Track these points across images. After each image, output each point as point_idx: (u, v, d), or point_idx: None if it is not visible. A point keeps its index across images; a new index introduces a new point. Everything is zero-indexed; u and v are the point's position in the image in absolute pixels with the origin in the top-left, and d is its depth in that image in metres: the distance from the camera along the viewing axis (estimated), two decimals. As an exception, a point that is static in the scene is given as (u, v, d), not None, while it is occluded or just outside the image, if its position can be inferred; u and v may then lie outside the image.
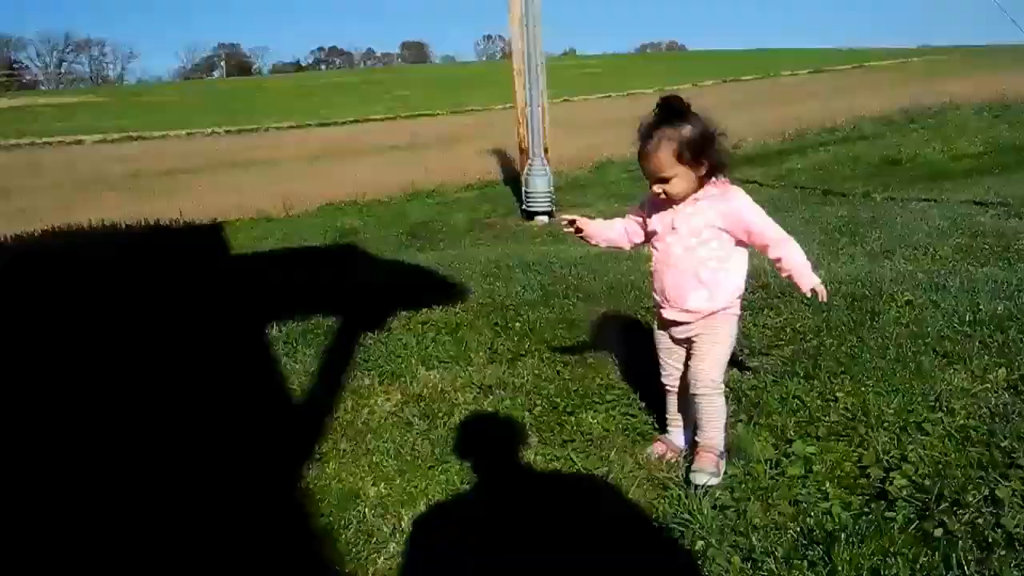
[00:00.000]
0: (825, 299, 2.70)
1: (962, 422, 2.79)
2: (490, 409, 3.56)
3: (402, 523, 2.72)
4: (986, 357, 3.32)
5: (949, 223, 6.68)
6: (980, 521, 2.26)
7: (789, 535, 2.32)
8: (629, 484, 2.77)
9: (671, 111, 2.59)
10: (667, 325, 2.85)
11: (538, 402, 3.55)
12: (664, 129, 2.57)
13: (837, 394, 3.13)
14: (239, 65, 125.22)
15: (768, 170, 13.57)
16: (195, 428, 3.55)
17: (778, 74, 56.57)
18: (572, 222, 2.96)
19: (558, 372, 3.87)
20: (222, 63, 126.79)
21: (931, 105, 20.02)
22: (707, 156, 2.59)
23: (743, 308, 2.89)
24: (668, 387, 2.97)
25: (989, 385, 3.08)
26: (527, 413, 3.45)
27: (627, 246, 2.99)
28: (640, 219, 2.86)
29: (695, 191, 2.64)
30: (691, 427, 2.87)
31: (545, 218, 10.80)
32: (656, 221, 2.75)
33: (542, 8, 10.26)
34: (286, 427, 3.56)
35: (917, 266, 5.17)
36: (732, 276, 2.72)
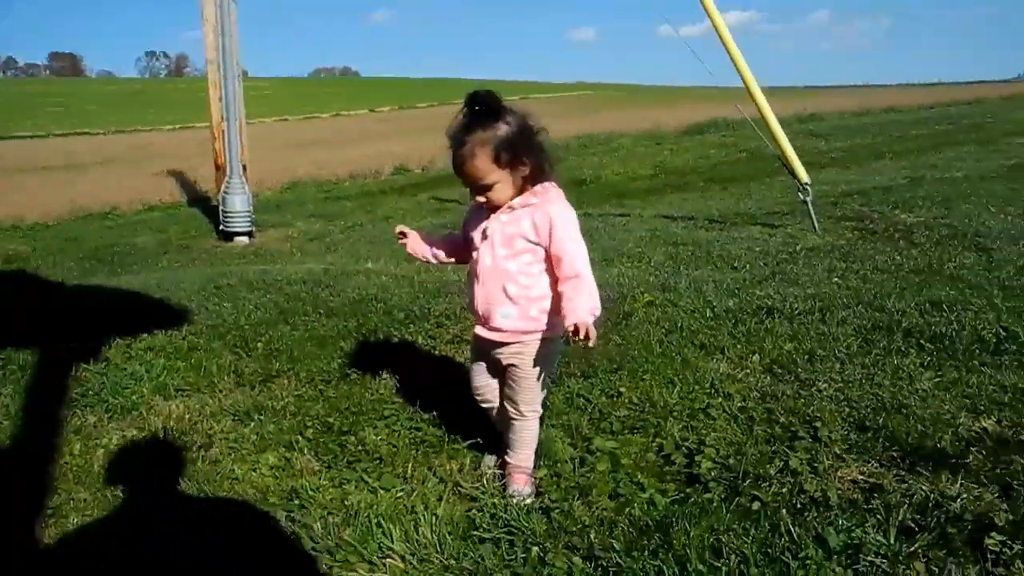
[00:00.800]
0: (593, 343, 2.27)
1: (740, 404, 2.98)
2: (256, 435, 3.19)
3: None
4: (738, 346, 3.59)
5: (650, 234, 7.28)
6: (784, 491, 2.40)
7: (621, 528, 2.30)
8: (436, 500, 2.60)
9: (482, 110, 2.31)
10: (481, 344, 2.60)
11: (308, 424, 3.25)
12: (477, 131, 2.30)
13: (620, 389, 3.20)
14: None
15: (464, 190, 13.94)
16: None
17: (452, 102, 58.64)
18: (403, 233, 2.70)
19: (320, 391, 3.59)
20: None
21: (600, 133, 21.96)
22: (528, 155, 2.35)
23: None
24: (483, 406, 2.79)
25: (749, 370, 3.33)
26: (299, 437, 3.14)
27: (453, 260, 2.73)
28: (463, 231, 2.64)
29: (518, 195, 2.41)
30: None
31: (245, 238, 10.17)
32: (472, 228, 2.54)
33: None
34: None
35: (641, 271, 5.54)
36: (544, 295, 2.46)
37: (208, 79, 9.98)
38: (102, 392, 3.71)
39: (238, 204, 10.04)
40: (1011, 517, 2.15)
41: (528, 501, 2.54)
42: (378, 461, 2.90)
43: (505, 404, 2.63)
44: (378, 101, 61.04)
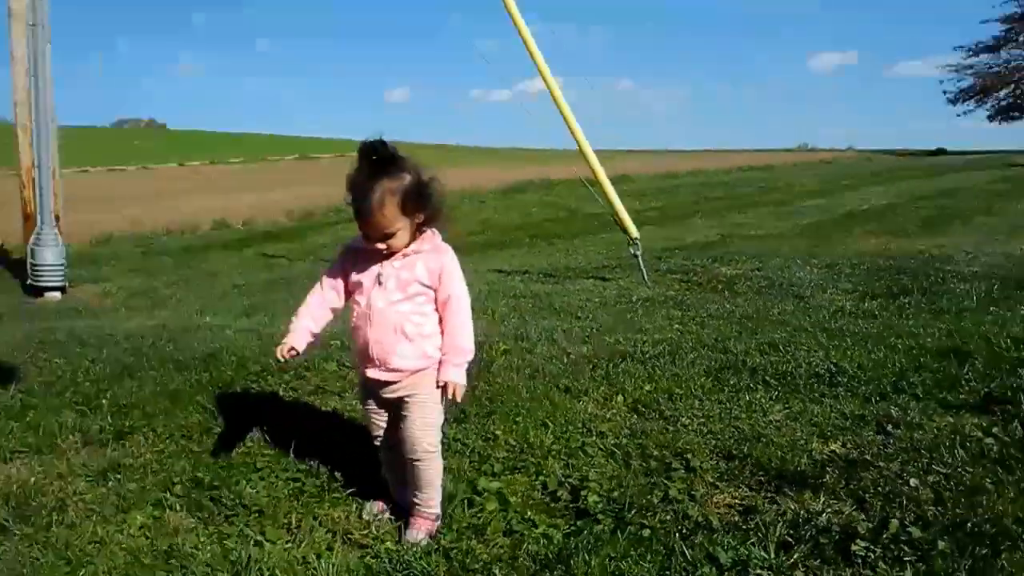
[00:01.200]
0: (458, 399, 2.54)
1: (614, 441, 3.13)
2: (116, 496, 3.00)
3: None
4: (601, 388, 3.76)
5: (488, 287, 7.43)
6: (669, 518, 2.55)
7: (522, 562, 2.35)
8: (327, 549, 2.55)
9: (381, 159, 2.36)
10: (372, 386, 2.63)
11: (175, 480, 3.09)
12: (383, 181, 2.35)
13: (496, 432, 3.27)
14: None
15: (293, 246, 13.72)
16: None
17: (266, 157, 57.59)
18: (292, 351, 2.63)
19: (183, 446, 3.43)
20: None
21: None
22: (426, 204, 2.44)
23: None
24: (384, 448, 2.77)
25: (615, 410, 3.50)
26: (166, 493, 2.99)
27: (333, 317, 2.71)
28: (338, 280, 2.64)
29: (412, 241, 2.48)
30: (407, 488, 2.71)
31: (58, 294, 9.46)
32: (361, 274, 2.56)
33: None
34: None
35: (489, 322, 5.66)
36: (436, 331, 2.56)
37: (16, 123, 9.31)
38: (-80, 459, 3.36)
39: (50, 257, 9.34)
40: (870, 525, 2.41)
41: (423, 546, 2.54)
42: (258, 514, 2.81)
43: (403, 448, 2.63)
44: (187, 155, 58.76)
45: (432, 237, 2.54)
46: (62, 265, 9.50)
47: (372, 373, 2.58)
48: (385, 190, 2.36)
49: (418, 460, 2.60)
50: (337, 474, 3.04)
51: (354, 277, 2.59)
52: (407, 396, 2.57)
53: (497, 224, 15.55)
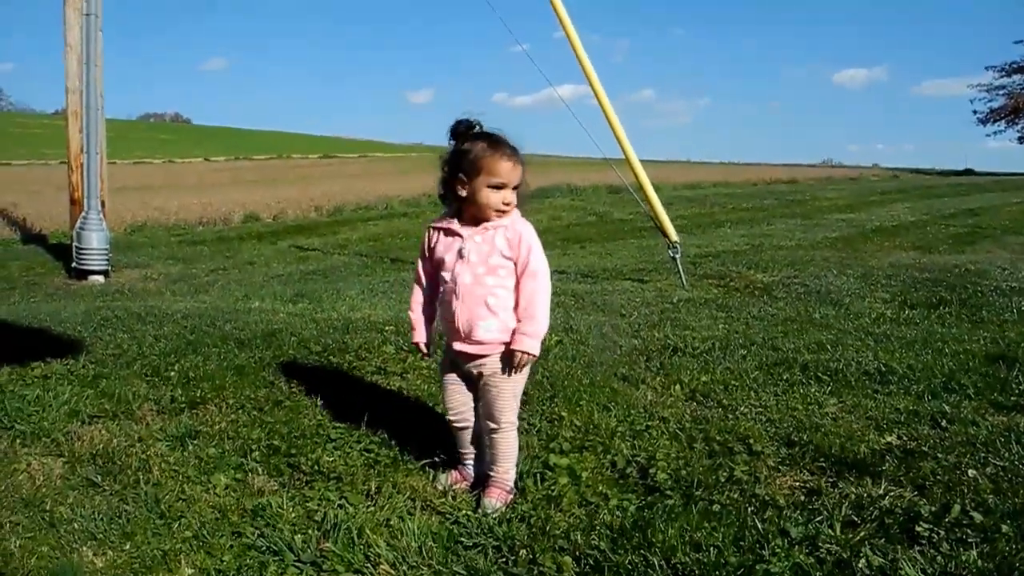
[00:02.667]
0: (523, 369, 2.72)
1: (676, 426, 3.24)
2: (197, 459, 3.13)
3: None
4: (658, 378, 3.88)
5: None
6: (736, 495, 2.65)
7: (599, 531, 2.46)
8: (408, 514, 2.67)
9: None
10: (457, 360, 2.75)
11: (252, 447, 3.23)
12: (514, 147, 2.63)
13: (561, 414, 3.39)
14: None
15: (326, 240, 13.91)
16: None
17: (289, 156, 58.02)
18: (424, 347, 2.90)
19: (255, 417, 3.56)
20: None
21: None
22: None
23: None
24: (457, 425, 2.88)
25: (674, 398, 3.61)
26: (245, 458, 3.12)
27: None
28: (426, 262, 2.83)
29: None
30: (484, 460, 2.85)
31: (101, 277, 9.68)
32: (443, 251, 2.71)
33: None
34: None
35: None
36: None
37: (68, 109, 9.56)
38: (3, 418, 3.52)
39: (95, 241, 9.57)
40: (932, 509, 2.50)
41: (500, 514, 2.66)
42: (336, 480, 2.94)
43: (483, 421, 2.76)
44: (212, 150, 59.32)
45: (514, 212, 2.70)
46: (106, 249, 9.73)
47: (459, 346, 2.71)
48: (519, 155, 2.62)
49: (497, 433, 2.73)
50: (408, 446, 3.15)
51: (438, 255, 2.74)
52: (490, 369, 2.70)
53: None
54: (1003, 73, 59.17)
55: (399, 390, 3.88)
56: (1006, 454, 2.91)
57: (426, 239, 2.81)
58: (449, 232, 2.70)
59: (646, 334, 4.85)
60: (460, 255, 2.67)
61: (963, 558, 2.24)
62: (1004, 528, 2.37)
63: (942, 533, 2.37)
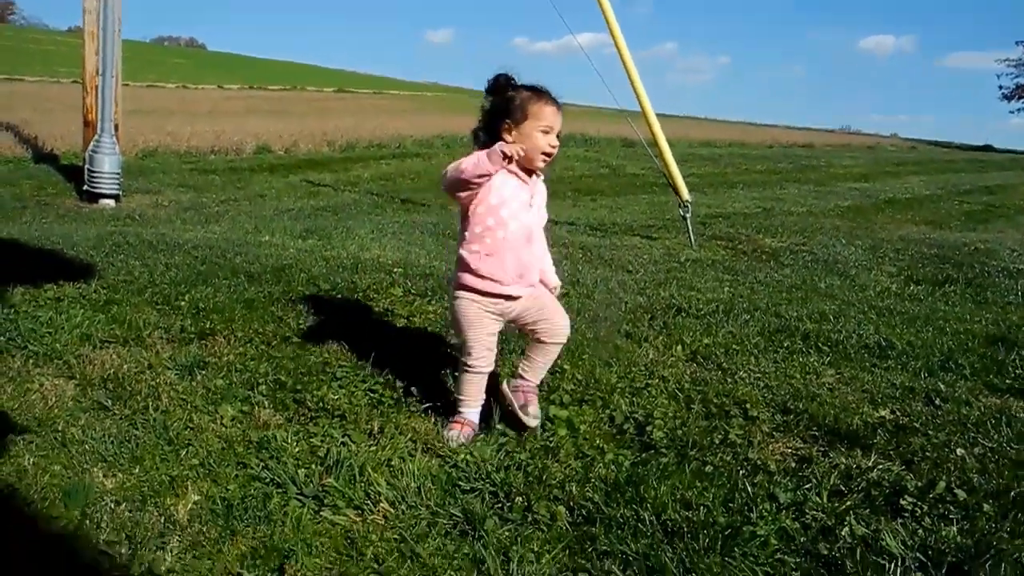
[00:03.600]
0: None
1: (675, 385, 3.30)
2: (204, 389, 3.21)
3: (175, 514, 2.36)
4: (660, 337, 3.93)
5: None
6: (729, 458, 2.73)
7: (594, 483, 2.54)
8: (410, 455, 2.74)
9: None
10: (501, 303, 2.81)
11: (259, 380, 3.30)
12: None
13: (564, 366, 3.45)
14: None
15: (338, 176, 13.90)
16: None
17: (304, 88, 57.50)
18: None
19: (263, 351, 3.63)
20: None
21: (462, 134, 22.25)
22: None
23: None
24: (486, 371, 2.92)
25: (675, 358, 3.67)
26: (252, 391, 3.20)
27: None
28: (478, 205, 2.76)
29: None
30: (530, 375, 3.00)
31: (111, 202, 9.71)
32: (510, 196, 2.73)
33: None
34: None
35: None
36: None
37: (85, 29, 9.52)
38: (16, 337, 3.59)
39: (107, 165, 9.58)
40: (918, 484, 2.57)
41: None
42: (340, 418, 3.01)
43: (550, 337, 2.95)
44: (226, 78, 58.74)
45: None
46: (118, 174, 9.75)
47: (514, 290, 2.81)
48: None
49: (564, 340, 2.97)
50: (413, 389, 3.22)
51: (498, 197, 2.73)
52: (536, 297, 2.89)
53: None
54: (1033, 48, 58.10)
55: (404, 333, 3.94)
56: (996, 436, 2.97)
57: (482, 174, 2.71)
58: (515, 175, 2.75)
59: (651, 292, 4.90)
60: (529, 204, 2.79)
61: (943, 533, 2.31)
62: (986, 507, 2.44)
63: (925, 508, 2.44)
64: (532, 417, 2.87)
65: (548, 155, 2.73)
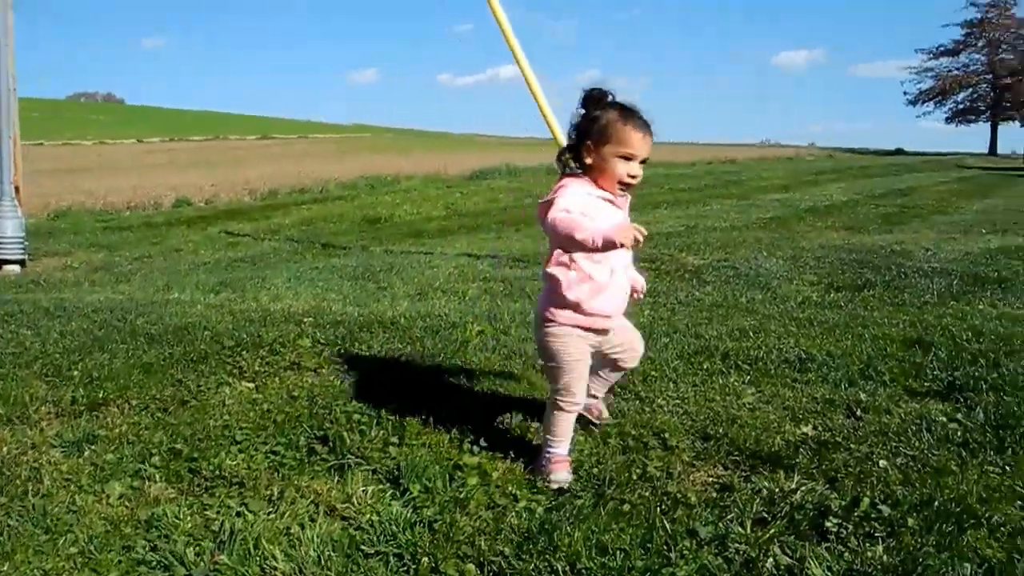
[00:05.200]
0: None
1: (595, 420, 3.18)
2: (92, 466, 2.98)
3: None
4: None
5: (458, 271, 7.48)
6: (648, 494, 2.60)
7: (505, 534, 2.39)
8: (310, 520, 2.56)
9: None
10: (604, 336, 2.76)
11: (152, 450, 3.08)
12: None
13: (472, 409, 3.30)
14: None
15: (258, 225, 13.60)
16: None
17: (226, 137, 56.85)
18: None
19: (159, 419, 3.41)
20: None
21: (386, 174, 22.16)
22: None
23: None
24: (580, 408, 2.85)
25: (593, 390, 3.55)
26: (144, 464, 2.98)
27: None
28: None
29: None
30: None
31: (17, 267, 9.28)
32: (609, 219, 2.58)
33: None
34: None
35: (459, 304, 5.69)
36: None
37: (-23, 91, 9.10)
38: None
39: (9, 229, 9.17)
40: (842, 503, 2.49)
41: None
42: (238, 485, 2.81)
43: (631, 358, 2.97)
44: (146, 131, 57.77)
45: None
46: (22, 238, 9.36)
47: (611, 323, 2.75)
48: None
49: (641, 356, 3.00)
50: (316, 447, 3.05)
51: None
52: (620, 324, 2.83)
53: (463, 209, 15.53)
54: (931, 56, 60.94)
55: (312, 385, 3.75)
56: (916, 443, 2.92)
57: (581, 203, 2.56)
58: (610, 202, 2.63)
59: (570, 323, 4.78)
60: None
61: (869, 554, 2.22)
62: (910, 521, 2.36)
63: (850, 528, 2.35)
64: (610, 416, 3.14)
65: (626, 185, 2.61)
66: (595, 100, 2.61)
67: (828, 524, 2.37)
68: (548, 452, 2.76)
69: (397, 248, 10.09)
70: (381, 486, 2.78)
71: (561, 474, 2.70)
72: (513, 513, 2.53)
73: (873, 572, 2.15)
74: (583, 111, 2.64)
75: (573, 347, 2.69)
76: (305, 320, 4.82)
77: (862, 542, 2.28)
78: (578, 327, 2.67)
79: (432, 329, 4.63)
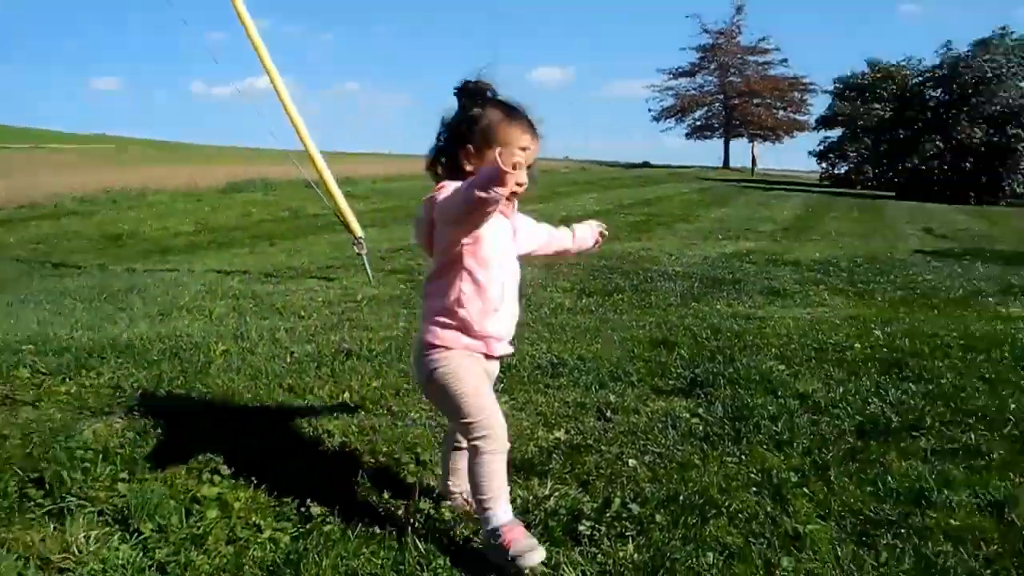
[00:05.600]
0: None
1: (341, 440, 3.01)
2: None
3: None
4: (327, 386, 3.64)
5: (206, 288, 7.01)
6: (400, 513, 2.48)
7: (247, 570, 2.18)
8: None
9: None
10: (494, 368, 2.36)
11: None
12: None
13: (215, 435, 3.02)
14: None
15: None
16: None
17: (-66, 146, 50.74)
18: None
19: None
20: None
21: (131, 188, 20.57)
22: None
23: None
24: (506, 446, 2.26)
25: (342, 407, 3.38)
26: None
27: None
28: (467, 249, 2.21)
29: None
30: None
31: None
32: (497, 229, 2.21)
33: None
34: None
35: (206, 324, 5.30)
36: None
37: None
38: None
39: None
40: (594, 505, 2.51)
41: None
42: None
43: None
44: None
45: None
46: None
47: (504, 350, 2.32)
48: None
49: None
50: (30, 491, 2.63)
51: (487, 237, 2.19)
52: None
53: (214, 224, 14.65)
54: (671, 76, 66.14)
55: (26, 423, 3.28)
56: (663, 440, 3.01)
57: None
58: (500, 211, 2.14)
59: (321, 338, 4.59)
60: (514, 237, 2.36)
61: (620, 554, 2.24)
62: (658, 517, 2.41)
63: (603, 529, 2.36)
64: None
65: (513, 194, 2.17)
66: (472, 95, 2.22)
67: (581, 528, 2.36)
68: (489, 523, 2.17)
69: (141, 266, 9.31)
70: (108, 529, 2.45)
71: (525, 549, 2.11)
72: (256, 546, 2.31)
73: (625, 571, 2.16)
74: (459, 109, 2.24)
75: (465, 371, 2.20)
76: (24, 348, 4.26)
77: (614, 542, 2.29)
78: (468, 350, 2.23)
79: (172, 351, 4.24)
